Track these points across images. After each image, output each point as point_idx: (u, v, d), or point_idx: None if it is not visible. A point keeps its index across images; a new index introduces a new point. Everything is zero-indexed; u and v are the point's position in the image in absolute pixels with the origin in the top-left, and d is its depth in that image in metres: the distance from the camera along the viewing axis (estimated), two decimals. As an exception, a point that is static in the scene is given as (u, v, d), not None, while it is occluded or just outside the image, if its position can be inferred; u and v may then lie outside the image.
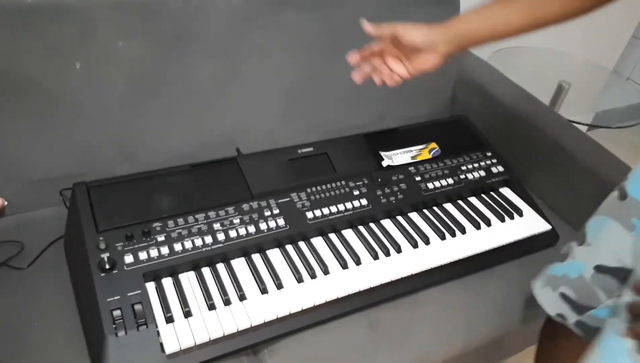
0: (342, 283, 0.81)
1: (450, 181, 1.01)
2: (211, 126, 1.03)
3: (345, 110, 1.19)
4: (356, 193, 0.94)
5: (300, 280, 0.80)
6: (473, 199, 1.02)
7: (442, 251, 0.90)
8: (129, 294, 0.72)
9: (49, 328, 0.74)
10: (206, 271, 0.80)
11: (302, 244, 0.86)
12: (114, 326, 0.69)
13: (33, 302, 0.78)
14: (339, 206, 0.91)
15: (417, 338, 0.84)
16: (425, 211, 0.97)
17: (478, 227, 0.95)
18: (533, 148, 1.14)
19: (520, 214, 1.00)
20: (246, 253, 0.83)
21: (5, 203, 0.92)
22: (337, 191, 0.93)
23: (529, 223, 0.99)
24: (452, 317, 0.88)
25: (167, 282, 0.77)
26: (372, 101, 1.22)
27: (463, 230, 0.94)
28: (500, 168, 1.07)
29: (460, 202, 1.00)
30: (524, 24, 0.71)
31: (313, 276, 0.81)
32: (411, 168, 1.01)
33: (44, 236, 0.87)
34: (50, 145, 0.91)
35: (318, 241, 0.88)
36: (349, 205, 0.92)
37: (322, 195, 0.92)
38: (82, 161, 0.95)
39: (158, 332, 0.71)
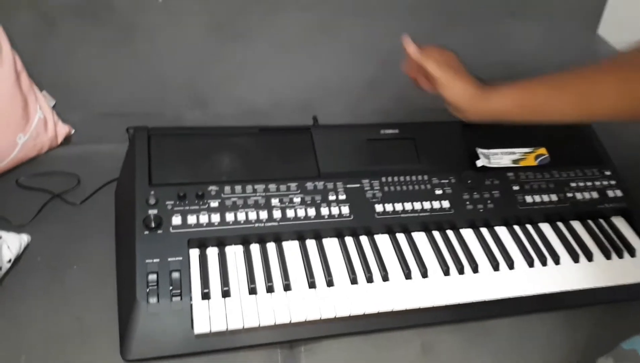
0: (402, 294, 0.71)
1: (554, 197, 0.85)
2: (290, 85, 0.94)
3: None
4: (439, 192, 0.81)
5: (354, 281, 0.71)
6: (576, 225, 0.85)
7: (527, 280, 0.76)
8: (169, 259, 0.67)
9: (86, 274, 0.71)
10: (255, 249, 0.72)
11: (364, 239, 0.76)
12: (147, 291, 0.64)
13: (77, 243, 0.75)
14: (415, 203, 0.79)
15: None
16: (516, 228, 0.83)
17: (576, 259, 0.80)
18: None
19: (633, 253, 0.82)
20: (301, 237, 0.75)
21: (72, 131, 0.89)
22: (417, 186, 0.81)
23: (641, 267, 0.82)
24: (518, 357, 0.75)
25: (212, 253, 0.71)
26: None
27: (557, 260, 0.79)
28: (619, 193, 0.88)
29: (560, 225, 0.84)
30: (570, 114, 0.64)
31: (370, 279, 0.71)
32: (510, 174, 0.86)
33: (102, 174, 0.84)
34: (121, 78, 0.86)
35: (383, 240, 0.77)
36: (427, 205, 0.79)
37: (398, 188, 0.80)
38: (152, 100, 0.91)
39: (192, 307, 0.65)
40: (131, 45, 0.83)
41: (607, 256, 0.81)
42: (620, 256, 0.82)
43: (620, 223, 0.87)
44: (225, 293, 0.66)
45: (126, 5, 0.80)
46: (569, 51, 1.07)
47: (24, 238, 0.72)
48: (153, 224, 0.68)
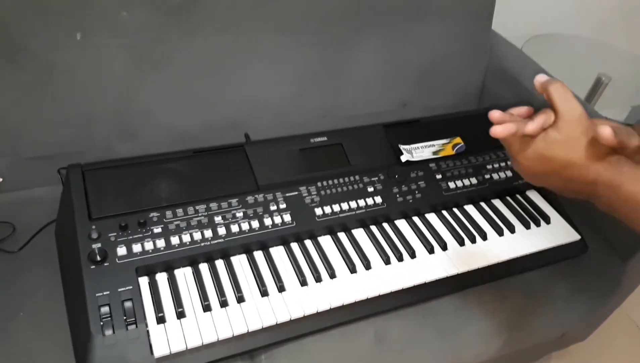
0: (349, 288, 0.75)
1: (474, 180, 0.93)
2: (219, 106, 0.97)
3: (364, 95, 1.12)
4: (370, 189, 0.87)
5: (304, 282, 0.75)
6: (497, 202, 0.94)
7: (460, 258, 0.83)
8: (119, 289, 0.67)
9: (35, 319, 0.70)
10: (204, 267, 0.74)
11: (308, 243, 0.80)
12: (102, 324, 0.64)
13: (21, 289, 0.74)
14: (350, 203, 0.84)
15: (425, 351, 0.79)
16: (444, 212, 0.90)
17: (501, 233, 0.88)
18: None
19: (548, 221, 0.92)
20: (248, 250, 0.77)
21: (0, 179, 0.87)
22: (350, 187, 0.86)
23: (557, 232, 0.91)
24: (464, 329, 0.82)
25: (162, 278, 0.72)
26: (396, 87, 1.14)
27: (484, 236, 0.87)
28: (529, 169, 0.98)
29: (483, 205, 0.93)
30: None
31: (318, 279, 0.75)
32: (432, 165, 0.93)
33: (38, 218, 0.83)
34: (46, 120, 0.85)
35: (326, 241, 0.81)
36: (361, 203, 0.85)
37: (334, 190, 0.85)
38: (80, 138, 0.90)
39: (148, 332, 0.66)
40: (52, 85, 0.83)
41: (527, 227, 0.90)
42: (537, 225, 0.91)
43: (533, 195, 0.97)
44: (180, 314, 0.68)
45: (43, 46, 0.79)
46: (469, 46, 1.17)
47: (-39, 295, 0.70)
48: (98, 258, 0.69)
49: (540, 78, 0.59)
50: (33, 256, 0.78)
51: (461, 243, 0.85)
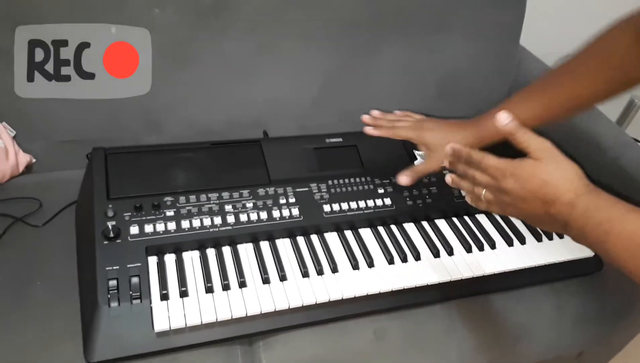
0: (350, 283, 0.76)
1: (487, 190, 0.93)
2: (241, 104, 1.01)
3: (385, 103, 1.13)
4: (381, 191, 0.88)
5: (305, 274, 0.76)
6: (510, 213, 0.93)
7: (466, 264, 0.83)
8: (128, 266, 0.71)
9: (49, 289, 0.74)
10: (211, 252, 0.77)
11: (314, 237, 0.82)
12: (109, 296, 0.68)
13: (41, 261, 0.78)
14: (359, 202, 0.86)
15: (424, 354, 0.78)
16: (454, 219, 0.90)
17: (510, 244, 0.87)
18: (587, 165, 1.03)
19: (561, 234, 0.90)
20: (255, 239, 0.80)
21: (33, 160, 0.93)
22: (361, 187, 0.88)
23: (569, 246, 0.89)
24: (465, 337, 0.81)
25: (169, 259, 0.75)
26: (416, 97, 1.15)
27: (493, 245, 0.86)
28: (546, 182, 0.97)
29: (495, 214, 0.92)
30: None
31: (320, 272, 0.77)
32: (446, 171, 0.94)
33: (64, 198, 0.88)
34: (78, 108, 0.91)
35: (332, 237, 0.83)
36: (370, 203, 0.86)
37: (344, 189, 0.87)
38: (109, 127, 0.95)
39: (151, 308, 0.69)
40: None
41: (539, 239, 0.89)
42: (550, 238, 0.90)
43: (549, 209, 0.95)
44: (183, 293, 0.71)
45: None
46: (494, 61, 1.17)
47: (-15, 262, 0.75)
48: (112, 235, 0.72)
49: (503, 120, 0.62)
50: (54, 232, 0.83)
51: (469, 250, 0.85)
